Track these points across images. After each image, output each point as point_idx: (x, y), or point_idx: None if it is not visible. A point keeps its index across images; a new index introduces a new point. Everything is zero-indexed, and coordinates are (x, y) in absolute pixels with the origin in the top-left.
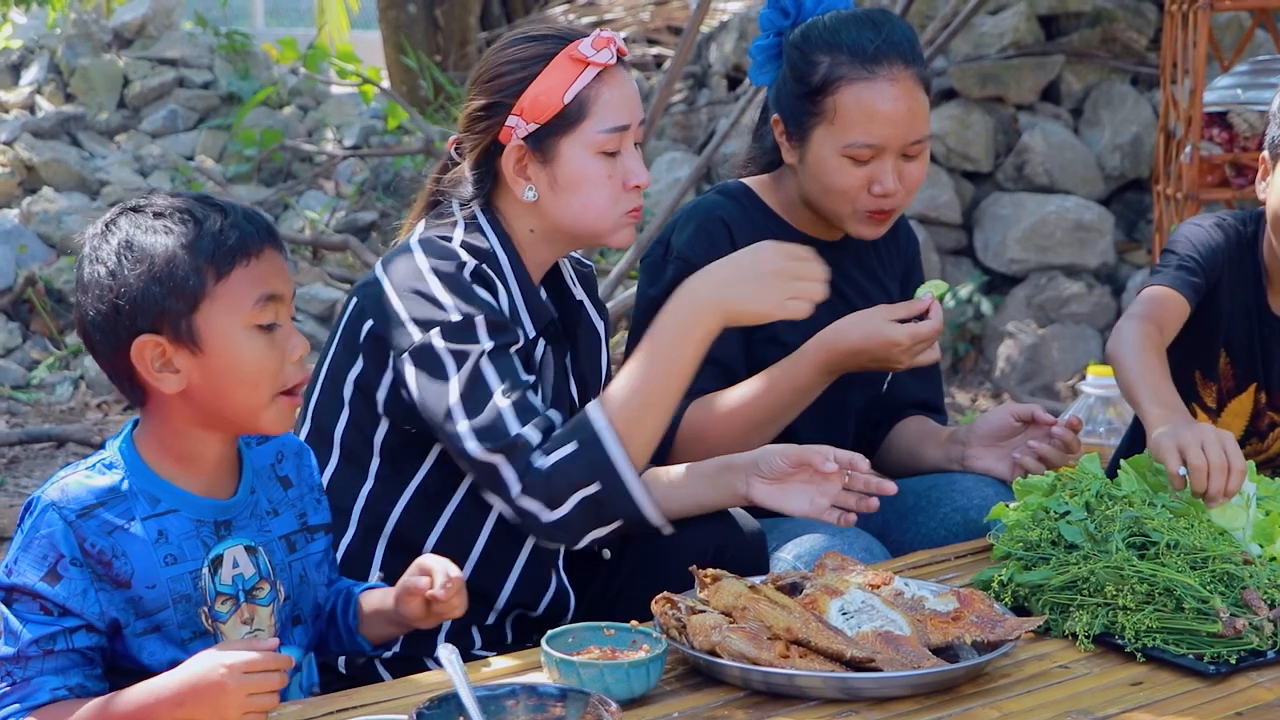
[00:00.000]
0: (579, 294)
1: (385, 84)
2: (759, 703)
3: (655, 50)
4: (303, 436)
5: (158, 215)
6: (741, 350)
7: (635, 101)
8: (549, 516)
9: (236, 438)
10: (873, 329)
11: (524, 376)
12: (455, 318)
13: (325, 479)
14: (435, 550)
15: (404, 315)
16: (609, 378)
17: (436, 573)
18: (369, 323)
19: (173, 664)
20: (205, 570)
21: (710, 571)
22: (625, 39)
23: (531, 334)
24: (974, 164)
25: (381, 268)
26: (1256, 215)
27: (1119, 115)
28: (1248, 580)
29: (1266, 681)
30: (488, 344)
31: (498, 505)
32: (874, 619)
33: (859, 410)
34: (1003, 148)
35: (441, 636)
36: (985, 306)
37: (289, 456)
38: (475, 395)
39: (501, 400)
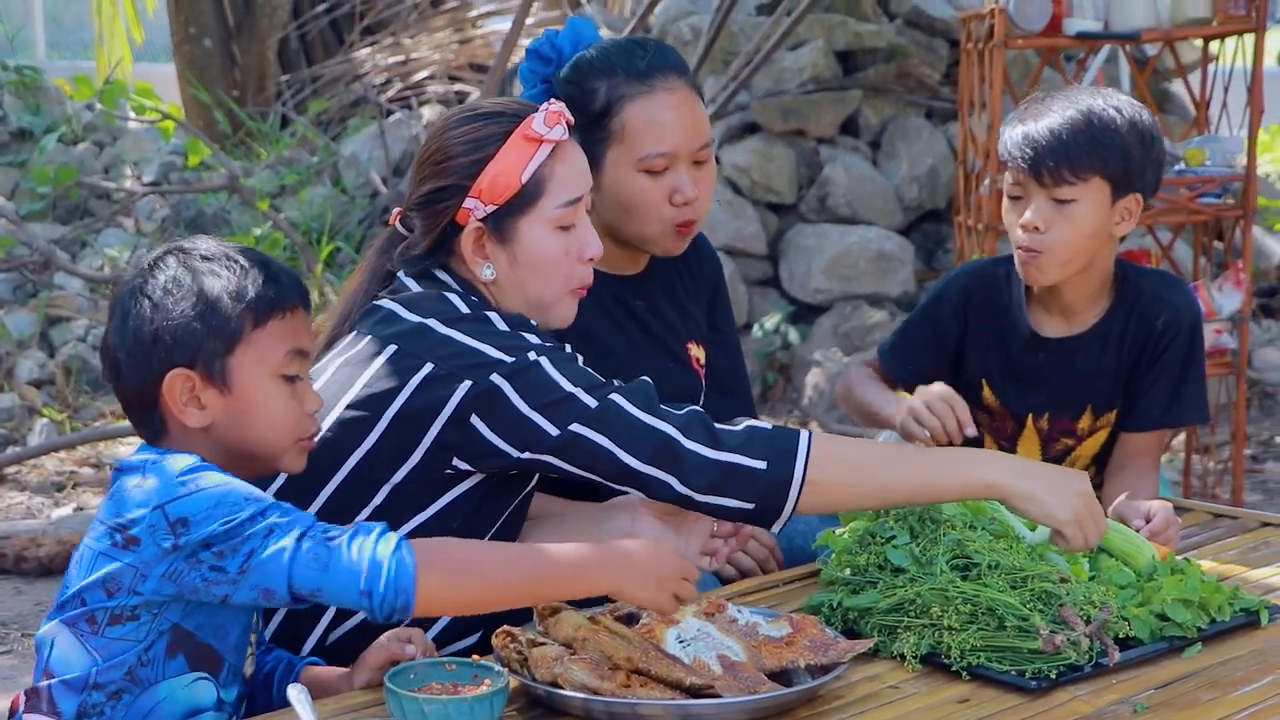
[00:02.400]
0: None
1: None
2: None
3: (458, 87)
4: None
5: (205, 259)
6: None
7: (586, 171)
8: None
9: (253, 477)
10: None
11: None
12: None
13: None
14: None
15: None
16: None
17: (416, 641)
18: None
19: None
20: None
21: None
22: (428, 76)
23: None
24: (778, 196)
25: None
26: (1009, 256)
27: (915, 148)
28: (1065, 598)
29: (1084, 694)
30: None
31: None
32: (710, 646)
33: None
34: (805, 180)
35: None
36: (792, 336)
37: None
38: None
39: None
